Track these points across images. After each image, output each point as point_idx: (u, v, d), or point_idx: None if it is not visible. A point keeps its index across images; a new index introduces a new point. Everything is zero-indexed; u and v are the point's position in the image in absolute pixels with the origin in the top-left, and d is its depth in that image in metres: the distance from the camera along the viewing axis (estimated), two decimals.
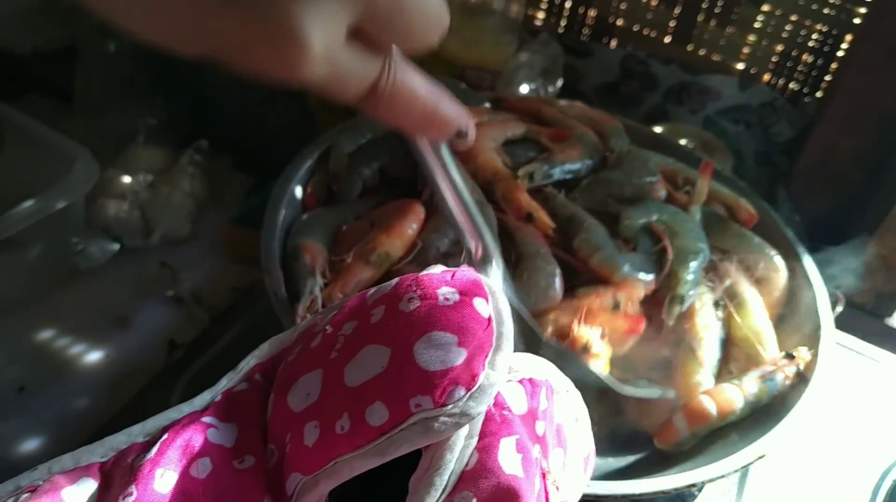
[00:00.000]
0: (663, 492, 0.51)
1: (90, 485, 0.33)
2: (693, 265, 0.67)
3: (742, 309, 0.68)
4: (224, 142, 0.99)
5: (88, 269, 0.82)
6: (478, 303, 0.35)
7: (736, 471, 0.54)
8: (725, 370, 0.66)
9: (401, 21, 0.32)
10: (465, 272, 0.37)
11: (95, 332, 0.78)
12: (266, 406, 0.37)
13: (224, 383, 0.38)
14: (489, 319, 0.34)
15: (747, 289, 0.70)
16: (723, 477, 0.53)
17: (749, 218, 0.77)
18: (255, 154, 1.00)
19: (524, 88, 0.98)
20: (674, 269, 0.66)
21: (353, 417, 0.32)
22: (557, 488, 0.36)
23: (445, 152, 0.46)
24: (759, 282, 0.71)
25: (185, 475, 0.33)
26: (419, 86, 0.37)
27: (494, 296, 0.36)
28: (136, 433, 0.35)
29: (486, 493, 0.32)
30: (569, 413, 0.39)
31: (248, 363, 0.39)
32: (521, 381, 0.37)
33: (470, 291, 0.35)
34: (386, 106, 0.35)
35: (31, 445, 0.67)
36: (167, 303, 0.82)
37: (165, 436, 0.34)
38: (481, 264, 0.46)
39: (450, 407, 0.31)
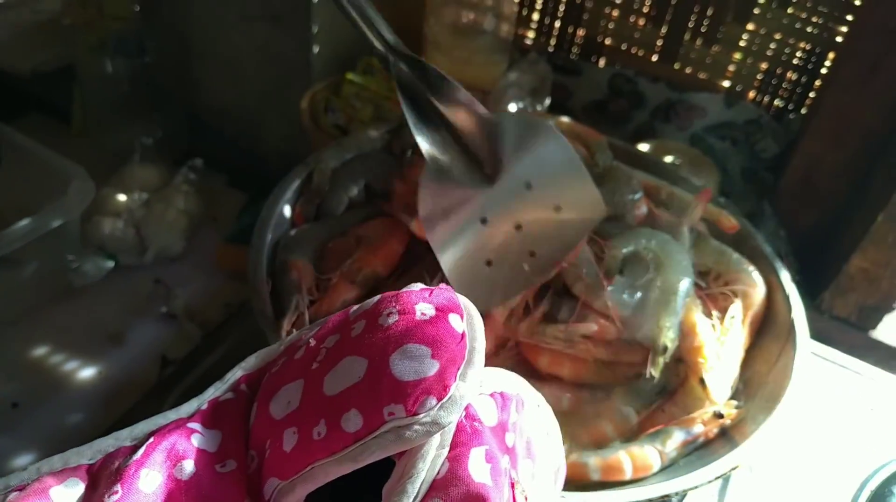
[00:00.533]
0: None
1: (77, 485, 0.34)
2: (676, 307, 0.66)
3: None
4: (218, 161, 1.01)
5: (83, 286, 0.84)
6: (453, 318, 0.36)
7: (710, 482, 0.55)
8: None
9: None
10: (444, 290, 0.38)
11: (90, 349, 0.79)
12: (248, 415, 0.39)
13: (211, 392, 0.40)
14: (462, 334, 0.36)
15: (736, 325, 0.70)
16: (697, 487, 0.54)
17: (731, 226, 0.78)
18: (249, 171, 1.01)
19: (513, 107, 1.00)
20: (657, 316, 0.65)
21: (329, 424, 0.34)
22: (526, 498, 0.37)
23: None
24: (738, 296, 0.71)
25: (169, 476, 0.34)
26: None
27: (469, 313, 0.38)
28: (123, 437, 0.37)
29: (456, 500, 0.34)
30: (539, 426, 0.41)
31: (235, 374, 0.41)
32: (492, 395, 0.39)
33: (446, 308, 0.37)
34: None
35: (24, 461, 0.68)
36: (161, 320, 0.84)
37: (151, 440, 0.35)
38: None
39: (421, 415, 0.33)
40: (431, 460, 0.34)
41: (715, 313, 0.69)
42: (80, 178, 0.79)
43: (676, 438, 0.61)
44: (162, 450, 0.35)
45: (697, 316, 0.68)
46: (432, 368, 0.34)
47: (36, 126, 1.06)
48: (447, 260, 0.65)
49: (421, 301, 0.37)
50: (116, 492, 0.33)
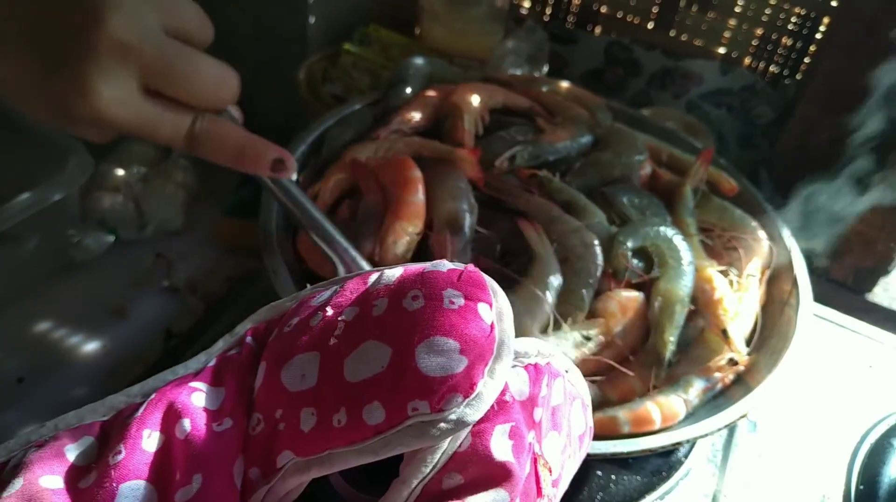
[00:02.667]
0: (649, 451, 0.53)
1: (90, 443, 0.34)
2: (679, 318, 0.65)
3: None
4: None
5: (85, 261, 0.83)
6: (482, 308, 0.35)
7: (720, 430, 0.56)
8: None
9: (183, 84, 0.45)
10: (472, 273, 0.36)
11: (93, 323, 0.79)
12: (254, 370, 0.38)
13: (220, 345, 0.39)
14: (492, 326, 0.35)
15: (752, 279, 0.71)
16: (707, 435, 0.55)
17: (730, 188, 0.79)
18: None
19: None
20: (660, 327, 0.65)
21: (350, 413, 0.33)
22: (550, 470, 0.37)
23: (291, 185, 0.55)
24: (743, 253, 0.72)
25: (168, 435, 0.34)
26: (229, 132, 0.50)
27: (498, 300, 0.36)
28: (134, 393, 0.37)
29: (473, 476, 0.34)
30: (566, 393, 0.40)
31: (244, 326, 0.40)
32: (525, 367, 0.38)
33: (475, 295, 0.35)
34: (201, 147, 0.48)
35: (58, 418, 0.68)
36: (163, 294, 0.83)
37: (153, 397, 0.35)
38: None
39: (447, 413, 0.32)
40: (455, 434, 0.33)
41: (733, 271, 0.70)
42: (79, 153, 0.79)
43: (697, 386, 0.61)
44: (161, 409, 0.35)
45: (711, 270, 0.69)
46: (460, 365, 0.32)
47: None
48: None
49: (449, 286, 0.35)
50: (120, 452, 0.33)
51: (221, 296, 0.85)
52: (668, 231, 0.70)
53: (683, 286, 0.66)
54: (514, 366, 0.37)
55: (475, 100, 0.80)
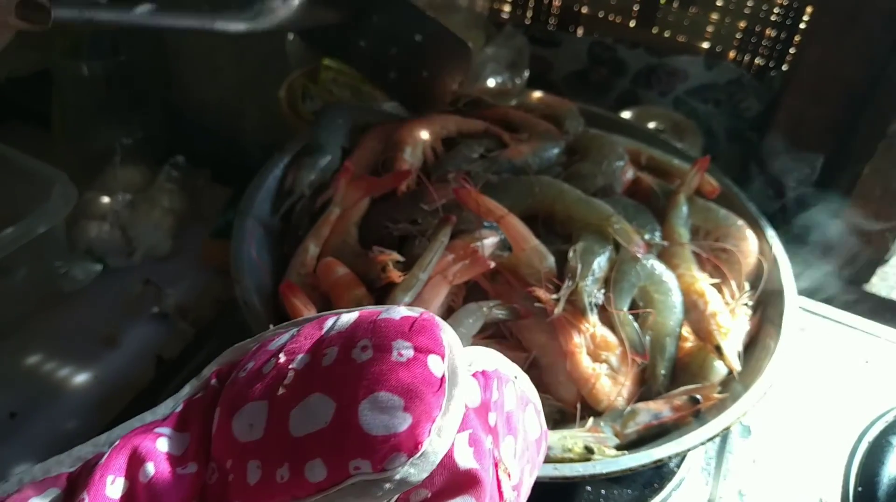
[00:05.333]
0: (630, 470, 0.52)
1: (56, 494, 0.34)
2: (670, 350, 0.65)
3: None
4: (201, 156, 1.00)
5: (73, 291, 0.84)
6: (432, 361, 0.33)
7: (702, 444, 0.55)
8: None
9: None
10: (425, 321, 0.35)
11: (84, 353, 0.79)
12: (213, 409, 0.38)
13: (186, 391, 0.39)
14: (441, 379, 0.33)
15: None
16: (688, 451, 0.54)
17: (712, 190, 0.78)
18: (232, 165, 1.01)
19: (491, 82, 0.99)
20: (651, 360, 0.64)
21: (292, 469, 0.32)
22: (509, 475, 0.37)
23: None
24: (730, 252, 0.72)
25: (132, 481, 0.34)
26: None
27: (451, 349, 0.35)
28: (101, 442, 0.36)
29: (440, 487, 0.33)
30: (517, 399, 0.40)
31: (210, 369, 0.40)
32: (474, 375, 0.37)
33: (425, 347, 0.34)
34: None
35: (23, 470, 0.68)
36: (153, 320, 0.83)
37: (117, 443, 0.35)
38: None
39: (389, 473, 0.31)
40: None
41: (726, 290, 0.69)
42: (63, 183, 0.79)
43: (640, 419, 0.59)
44: (125, 454, 0.34)
45: (703, 284, 0.68)
46: (404, 423, 0.31)
47: (15, 133, 1.05)
48: None
49: (399, 337, 0.34)
50: (83, 500, 0.32)
51: (211, 318, 0.85)
52: (648, 266, 0.68)
53: (673, 318, 0.66)
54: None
55: (422, 133, 0.81)
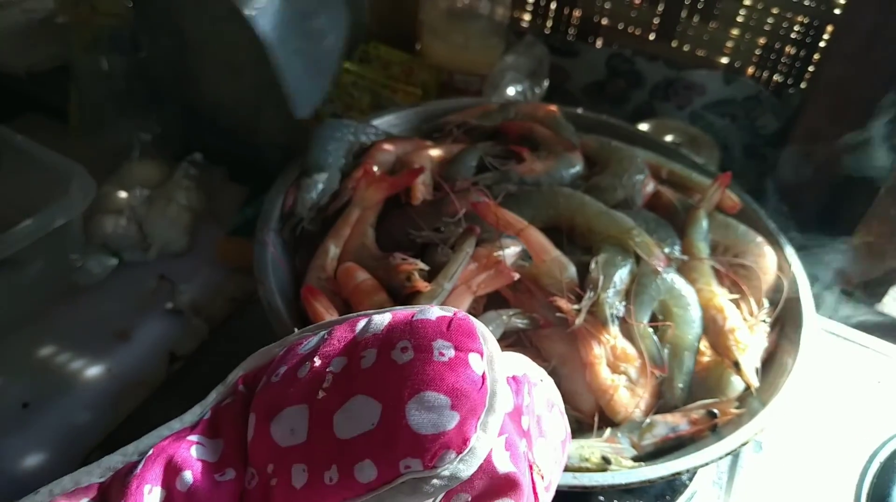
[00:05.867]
0: (649, 482, 0.52)
1: None
2: (689, 365, 0.65)
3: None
4: (218, 154, 1.00)
5: (88, 285, 0.84)
6: (473, 359, 0.34)
7: (720, 459, 0.55)
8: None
9: None
10: (462, 321, 0.36)
11: (97, 347, 0.79)
12: (245, 414, 0.38)
13: (213, 397, 0.39)
14: (483, 377, 0.34)
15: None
16: (706, 464, 0.54)
17: (732, 205, 0.78)
18: (248, 164, 1.01)
19: (511, 91, 1.00)
20: (670, 374, 0.64)
21: (341, 471, 0.33)
22: (542, 477, 0.37)
23: None
24: (748, 269, 0.72)
25: (170, 490, 0.34)
26: None
27: (489, 347, 0.35)
28: (130, 452, 0.36)
29: (480, 490, 0.34)
30: (545, 402, 0.40)
31: (236, 375, 0.40)
32: (506, 380, 0.37)
33: (465, 345, 0.35)
34: None
35: (35, 460, 0.69)
36: (167, 316, 0.84)
37: (150, 453, 0.35)
38: None
39: (439, 470, 0.32)
40: None
41: (745, 306, 0.69)
42: (81, 177, 0.79)
43: (658, 431, 0.60)
44: (161, 463, 0.35)
45: (722, 299, 0.68)
46: (452, 421, 0.32)
47: (33, 126, 1.05)
48: None
49: (439, 337, 0.35)
50: None
51: (225, 317, 0.85)
52: (668, 280, 0.67)
53: (692, 333, 0.65)
54: None
55: (433, 152, 0.82)
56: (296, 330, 0.41)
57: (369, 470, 0.32)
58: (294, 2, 0.75)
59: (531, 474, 0.36)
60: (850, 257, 0.92)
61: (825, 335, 0.84)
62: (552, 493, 0.40)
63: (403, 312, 0.37)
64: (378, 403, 0.33)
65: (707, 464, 0.55)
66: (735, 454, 0.67)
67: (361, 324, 0.37)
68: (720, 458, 0.55)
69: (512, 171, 0.78)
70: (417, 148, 0.82)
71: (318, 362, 0.36)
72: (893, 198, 0.87)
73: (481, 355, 0.35)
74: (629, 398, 0.61)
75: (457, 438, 0.32)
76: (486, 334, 0.36)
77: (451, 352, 0.34)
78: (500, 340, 0.62)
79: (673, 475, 0.53)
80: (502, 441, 0.35)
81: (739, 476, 0.68)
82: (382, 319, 0.37)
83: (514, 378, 0.38)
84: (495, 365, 0.35)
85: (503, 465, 0.34)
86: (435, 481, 0.32)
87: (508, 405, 0.36)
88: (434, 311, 0.36)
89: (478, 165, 0.80)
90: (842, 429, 0.74)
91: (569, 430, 0.43)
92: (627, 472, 0.53)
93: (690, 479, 0.65)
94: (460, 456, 0.32)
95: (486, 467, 0.34)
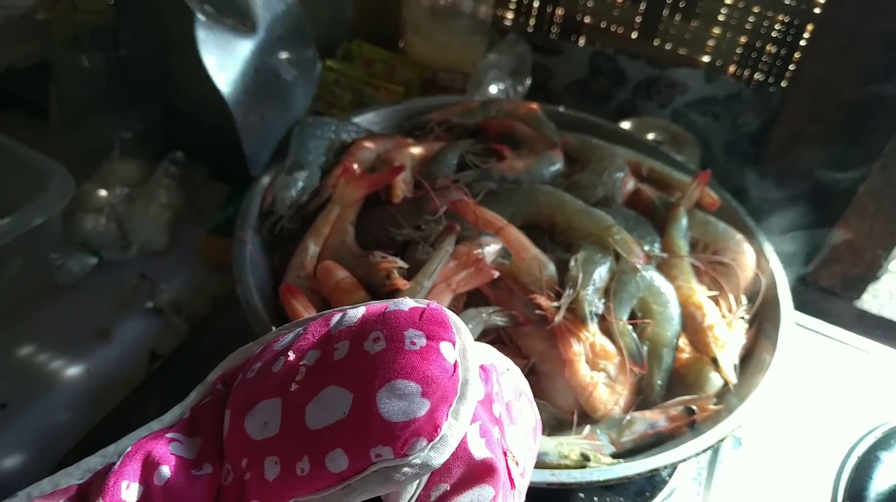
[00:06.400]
0: (627, 479, 0.52)
1: None
2: (667, 361, 0.65)
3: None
4: (199, 152, 1.00)
5: (68, 284, 0.83)
6: (444, 348, 0.34)
7: (698, 455, 0.56)
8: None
9: None
10: (434, 311, 0.36)
11: (76, 346, 0.78)
12: (223, 412, 0.38)
13: (192, 397, 0.39)
14: (455, 365, 0.34)
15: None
16: (684, 460, 0.55)
17: (711, 202, 0.79)
18: (230, 162, 1.00)
19: (493, 89, 1.00)
20: (648, 370, 0.64)
21: (312, 461, 0.32)
22: (517, 463, 0.37)
23: None
24: (727, 266, 0.72)
25: (147, 485, 0.34)
26: None
27: (461, 336, 0.36)
28: (110, 453, 0.36)
29: (458, 478, 0.34)
30: (513, 390, 0.41)
31: (215, 374, 0.40)
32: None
33: (437, 334, 0.35)
34: None
35: (14, 461, 0.68)
36: (147, 315, 0.83)
37: (129, 449, 0.35)
38: None
39: (411, 457, 0.32)
40: None
41: (724, 303, 0.70)
42: (60, 175, 0.79)
43: (637, 428, 0.60)
44: (139, 460, 0.34)
45: (701, 296, 0.68)
46: (422, 408, 0.32)
47: (13, 123, 1.05)
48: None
49: (410, 327, 0.35)
50: None
51: (206, 315, 0.84)
52: (647, 277, 0.68)
53: (671, 330, 0.66)
54: None
55: (414, 151, 0.82)
56: (273, 328, 0.41)
57: (341, 460, 0.32)
58: (264, 72, 0.75)
59: (506, 460, 0.36)
60: (830, 254, 0.93)
61: (804, 331, 0.85)
62: (527, 480, 0.40)
63: (377, 305, 0.37)
64: (349, 393, 0.33)
65: (685, 460, 0.55)
66: (714, 450, 0.68)
67: (336, 318, 0.37)
68: (697, 454, 0.56)
69: (493, 169, 0.78)
70: (398, 145, 0.82)
71: (292, 356, 0.36)
72: (872, 195, 0.88)
73: (453, 344, 0.35)
74: (608, 395, 0.61)
75: (427, 425, 0.32)
76: (458, 324, 0.36)
77: (422, 341, 0.34)
78: (480, 338, 0.62)
79: (651, 471, 0.53)
80: (476, 427, 0.35)
81: (719, 471, 0.68)
82: (356, 312, 0.37)
83: (482, 367, 0.38)
84: (468, 354, 0.35)
85: (479, 451, 0.34)
86: (406, 469, 0.32)
87: (480, 393, 0.36)
88: (407, 303, 0.37)
89: (459, 163, 0.80)
90: (820, 425, 0.75)
91: (539, 418, 0.43)
92: (606, 469, 0.53)
93: (670, 475, 0.65)
94: (431, 443, 0.32)
95: (463, 454, 0.34)
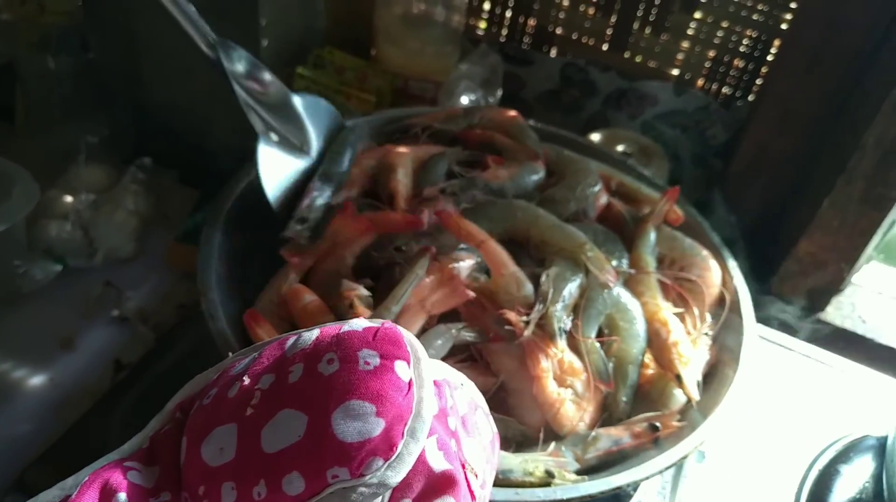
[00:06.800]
0: (590, 497, 0.53)
1: None
2: (633, 377, 0.66)
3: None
4: (169, 157, 0.99)
5: (31, 291, 0.82)
6: (399, 366, 0.34)
7: (661, 472, 0.56)
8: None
9: None
10: (388, 330, 0.36)
11: (40, 355, 0.77)
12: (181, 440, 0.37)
13: (151, 426, 0.38)
14: (409, 383, 0.34)
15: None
16: (648, 478, 0.55)
17: (676, 219, 0.80)
18: (199, 168, 1.00)
19: (465, 99, 1.00)
20: (615, 388, 0.65)
21: (269, 485, 0.32)
22: (476, 475, 0.38)
23: None
24: (694, 282, 0.73)
25: None
26: None
27: (416, 354, 0.36)
28: (69, 485, 0.35)
29: (419, 492, 0.34)
30: (467, 403, 0.41)
31: (173, 402, 0.39)
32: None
33: (391, 354, 0.35)
34: None
35: None
36: (112, 323, 0.82)
37: (87, 479, 0.34)
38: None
39: (367, 477, 0.32)
40: None
41: (689, 320, 0.70)
42: (24, 181, 0.78)
43: (601, 445, 0.60)
44: (95, 488, 0.34)
45: (667, 313, 0.69)
46: (377, 428, 0.32)
47: None
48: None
49: (364, 347, 0.35)
50: None
51: (173, 324, 0.84)
52: (615, 294, 0.69)
53: (636, 346, 0.66)
54: None
55: (408, 157, 0.82)
56: (230, 354, 0.41)
57: (297, 483, 0.32)
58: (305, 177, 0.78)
59: (464, 472, 0.36)
60: (793, 267, 0.95)
61: (767, 345, 0.86)
62: (488, 492, 0.40)
63: (331, 327, 0.37)
64: (304, 415, 0.33)
65: (649, 478, 0.56)
66: (678, 465, 0.69)
67: (291, 341, 0.37)
68: (660, 472, 0.56)
69: (477, 178, 0.78)
70: (394, 151, 0.82)
71: (246, 381, 0.36)
72: (836, 209, 0.90)
73: (408, 362, 0.35)
74: (574, 411, 0.61)
75: (383, 445, 0.32)
76: (413, 342, 0.36)
77: (376, 361, 0.34)
78: (452, 355, 0.62)
79: (614, 489, 0.54)
80: (434, 441, 0.35)
81: (683, 485, 0.69)
82: (311, 335, 0.37)
83: (435, 382, 0.38)
84: (423, 372, 0.35)
85: (438, 464, 0.35)
86: (363, 489, 0.32)
87: (434, 408, 0.37)
88: (360, 323, 0.37)
89: (447, 172, 0.80)
90: (782, 438, 0.76)
91: (496, 431, 0.43)
92: (569, 487, 0.53)
93: (635, 490, 0.66)
94: (388, 462, 0.32)
95: (422, 468, 0.34)
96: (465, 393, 0.41)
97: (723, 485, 0.70)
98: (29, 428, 0.72)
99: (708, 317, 0.71)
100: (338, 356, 0.34)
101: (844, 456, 0.71)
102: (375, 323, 0.37)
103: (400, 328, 0.37)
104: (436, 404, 0.37)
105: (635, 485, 0.65)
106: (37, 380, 0.75)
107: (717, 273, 0.75)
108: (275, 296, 0.68)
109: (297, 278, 0.70)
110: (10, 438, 0.70)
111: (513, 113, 0.89)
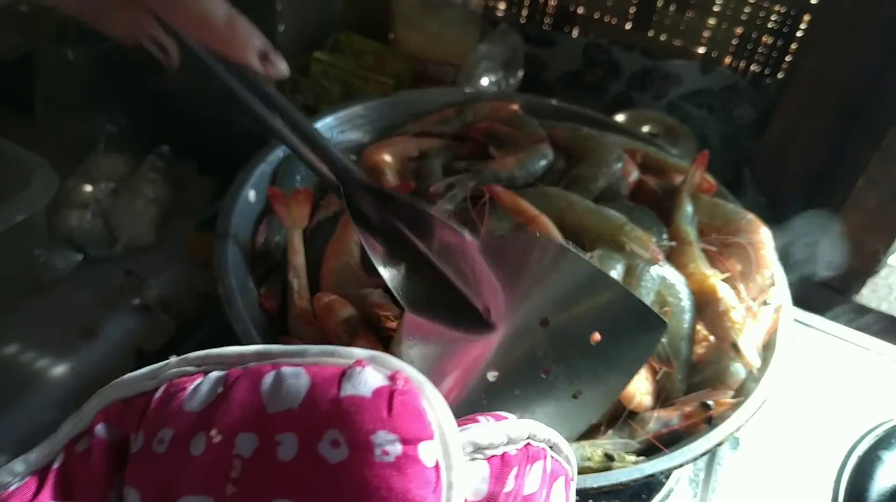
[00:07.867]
0: (621, 485, 0.51)
1: None
2: (686, 354, 0.64)
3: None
4: (187, 146, 0.98)
5: (52, 281, 0.81)
6: (423, 451, 0.28)
7: (696, 459, 0.54)
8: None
9: None
10: (405, 395, 0.29)
11: (61, 345, 0.77)
12: (111, 473, 0.31)
13: (65, 432, 0.33)
14: (436, 469, 0.28)
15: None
16: (681, 466, 0.53)
17: (709, 187, 0.78)
18: (219, 156, 0.99)
19: (485, 81, 0.98)
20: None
21: None
22: None
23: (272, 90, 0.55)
24: (743, 247, 0.70)
25: None
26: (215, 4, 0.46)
27: (441, 427, 0.29)
28: None
29: None
30: (546, 476, 0.35)
31: (93, 407, 0.33)
32: (489, 460, 0.32)
33: (412, 434, 0.28)
34: (185, 15, 0.46)
35: None
36: (134, 312, 0.82)
37: None
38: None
39: None
40: None
41: (742, 287, 0.68)
42: (44, 170, 0.77)
43: (651, 428, 0.59)
44: None
45: (714, 280, 0.66)
46: None
47: None
48: None
49: (378, 426, 0.27)
50: None
51: (194, 313, 0.83)
52: (659, 271, 0.66)
53: (686, 321, 0.64)
54: (474, 460, 0.31)
55: (386, 156, 0.81)
56: (173, 357, 0.34)
57: None
58: None
59: None
60: (828, 248, 0.92)
61: (802, 328, 0.83)
62: None
63: (324, 375, 0.29)
64: None
65: (682, 466, 0.54)
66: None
67: (268, 380, 0.30)
68: (696, 459, 0.54)
69: (485, 170, 0.76)
70: (373, 150, 0.81)
71: (216, 438, 0.29)
72: (871, 188, 0.87)
73: (432, 438, 0.28)
74: (647, 387, 0.60)
75: None
76: (434, 401, 0.29)
77: (396, 449, 0.27)
78: None
79: (646, 477, 0.52)
80: None
81: (717, 473, 0.67)
82: (297, 383, 0.29)
83: (501, 457, 0.32)
84: (450, 445, 0.29)
85: None
86: None
87: (481, 489, 0.31)
88: (366, 381, 0.29)
89: (445, 169, 0.79)
90: (819, 424, 0.73)
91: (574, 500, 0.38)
92: (598, 476, 0.51)
93: (667, 477, 0.64)
94: None
95: None
96: (547, 464, 0.35)
97: (758, 473, 0.68)
98: (51, 417, 0.71)
99: (767, 277, 0.68)
100: (344, 439, 0.27)
101: (885, 441, 0.69)
102: (383, 377, 0.29)
103: (418, 385, 0.30)
104: (485, 487, 0.31)
105: (667, 473, 0.64)
106: (59, 369, 0.75)
107: (768, 233, 0.72)
108: (299, 313, 0.66)
109: (302, 282, 0.69)
110: (35, 426, 0.70)
111: (511, 105, 0.87)
